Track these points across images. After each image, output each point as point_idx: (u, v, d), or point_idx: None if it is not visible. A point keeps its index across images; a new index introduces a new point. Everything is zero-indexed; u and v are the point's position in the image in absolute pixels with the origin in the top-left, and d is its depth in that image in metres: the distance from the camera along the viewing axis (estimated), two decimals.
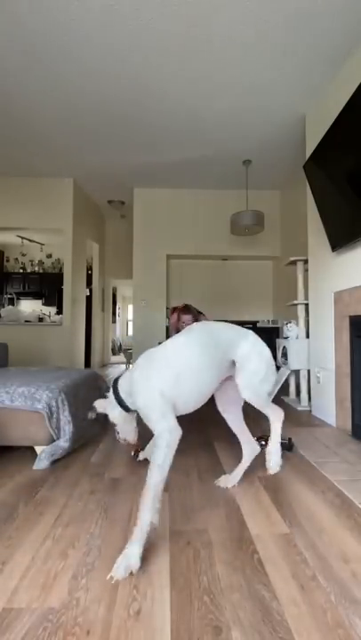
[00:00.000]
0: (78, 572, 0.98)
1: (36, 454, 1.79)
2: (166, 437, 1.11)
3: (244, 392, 1.37)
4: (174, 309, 2.91)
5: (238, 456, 1.86)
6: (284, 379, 3.20)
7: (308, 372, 3.06)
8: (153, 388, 1.21)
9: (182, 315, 2.80)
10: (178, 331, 2.82)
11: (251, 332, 1.49)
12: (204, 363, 1.30)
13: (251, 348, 1.41)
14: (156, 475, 1.06)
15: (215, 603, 0.87)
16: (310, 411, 2.93)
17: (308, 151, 2.90)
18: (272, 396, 3.28)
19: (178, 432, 1.15)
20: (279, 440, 1.44)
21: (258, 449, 1.58)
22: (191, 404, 1.31)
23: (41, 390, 1.81)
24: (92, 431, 2.24)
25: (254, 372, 1.38)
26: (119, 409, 1.32)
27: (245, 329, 1.49)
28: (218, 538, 1.14)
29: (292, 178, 4.32)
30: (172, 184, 4.66)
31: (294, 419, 2.69)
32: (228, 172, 4.25)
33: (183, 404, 1.27)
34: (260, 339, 1.48)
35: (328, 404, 2.62)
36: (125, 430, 1.40)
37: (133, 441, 1.44)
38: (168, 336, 3.98)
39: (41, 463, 1.71)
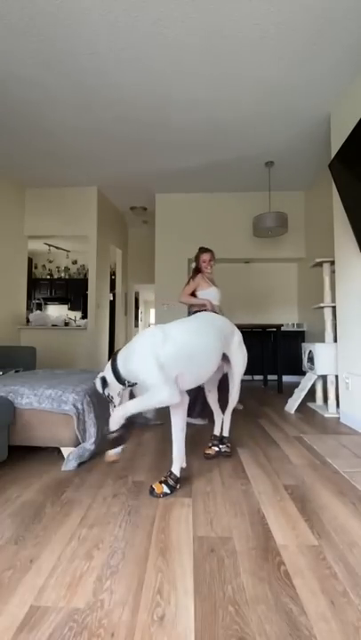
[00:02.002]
0: (103, 573, 0.99)
1: (62, 455, 1.83)
2: (164, 398, 1.37)
3: (236, 380, 1.79)
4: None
5: (261, 461, 1.84)
6: (310, 385, 3.10)
7: (337, 377, 2.95)
8: (151, 358, 1.40)
9: (202, 254, 2.87)
10: (198, 270, 2.84)
11: (236, 329, 1.82)
12: (207, 348, 1.56)
13: (237, 346, 1.78)
14: (139, 404, 1.40)
15: (240, 614, 0.85)
16: (339, 418, 2.81)
17: (334, 150, 2.82)
18: (297, 403, 3.20)
19: (176, 399, 1.39)
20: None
21: (222, 414, 1.99)
22: (189, 381, 1.52)
23: (67, 393, 1.85)
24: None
25: (243, 364, 1.79)
26: (116, 383, 1.51)
27: (232, 325, 1.81)
28: (242, 547, 1.11)
29: (316, 178, 4.22)
30: (194, 188, 4.68)
31: (321, 426, 2.59)
32: (250, 174, 4.22)
33: (181, 380, 1.48)
34: (241, 338, 1.83)
35: (358, 411, 2.50)
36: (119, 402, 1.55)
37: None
38: None
39: (69, 464, 1.75)
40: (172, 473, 1.52)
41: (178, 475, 1.53)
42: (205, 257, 2.82)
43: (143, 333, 1.51)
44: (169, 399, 1.38)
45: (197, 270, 2.85)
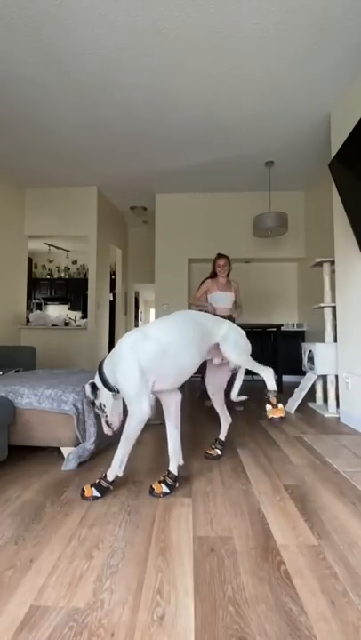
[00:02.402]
0: (103, 573, 0.99)
1: (62, 455, 1.83)
2: (138, 418, 1.41)
3: (233, 359, 1.68)
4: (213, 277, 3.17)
5: (261, 461, 1.84)
6: (309, 385, 3.10)
7: (337, 377, 2.95)
8: (133, 366, 1.41)
9: (217, 259, 3.10)
10: (215, 275, 3.10)
11: (225, 320, 1.78)
12: (187, 345, 1.53)
13: (227, 330, 1.71)
14: (125, 442, 1.43)
15: (240, 613, 0.85)
16: (339, 418, 2.82)
17: (334, 150, 2.83)
18: (297, 403, 3.21)
19: (148, 415, 1.42)
20: (275, 385, 1.72)
21: (230, 419, 1.99)
22: (171, 380, 1.51)
23: (67, 392, 1.85)
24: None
25: (235, 343, 1.68)
26: (106, 390, 1.51)
27: (220, 318, 1.78)
28: (242, 546, 1.11)
29: (316, 178, 4.22)
30: (194, 188, 4.68)
31: (321, 426, 2.59)
32: (250, 174, 4.22)
33: (163, 380, 1.48)
34: (233, 324, 1.78)
35: (358, 411, 2.51)
36: (113, 413, 1.54)
37: (117, 427, 1.56)
38: None
39: (70, 464, 1.75)
40: (169, 472, 1.52)
41: (176, 473, 1.53)
42: (220, 262, 3.04)
43: (124, 339, 1.50)
44: (142, 418, 1.41)
45: (214, 274, 3.11)
